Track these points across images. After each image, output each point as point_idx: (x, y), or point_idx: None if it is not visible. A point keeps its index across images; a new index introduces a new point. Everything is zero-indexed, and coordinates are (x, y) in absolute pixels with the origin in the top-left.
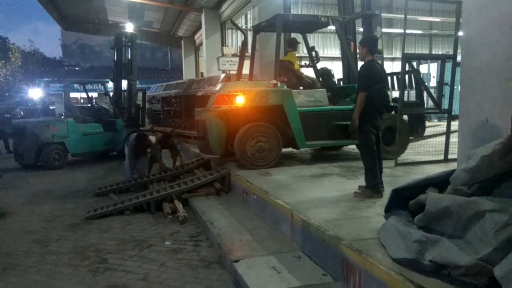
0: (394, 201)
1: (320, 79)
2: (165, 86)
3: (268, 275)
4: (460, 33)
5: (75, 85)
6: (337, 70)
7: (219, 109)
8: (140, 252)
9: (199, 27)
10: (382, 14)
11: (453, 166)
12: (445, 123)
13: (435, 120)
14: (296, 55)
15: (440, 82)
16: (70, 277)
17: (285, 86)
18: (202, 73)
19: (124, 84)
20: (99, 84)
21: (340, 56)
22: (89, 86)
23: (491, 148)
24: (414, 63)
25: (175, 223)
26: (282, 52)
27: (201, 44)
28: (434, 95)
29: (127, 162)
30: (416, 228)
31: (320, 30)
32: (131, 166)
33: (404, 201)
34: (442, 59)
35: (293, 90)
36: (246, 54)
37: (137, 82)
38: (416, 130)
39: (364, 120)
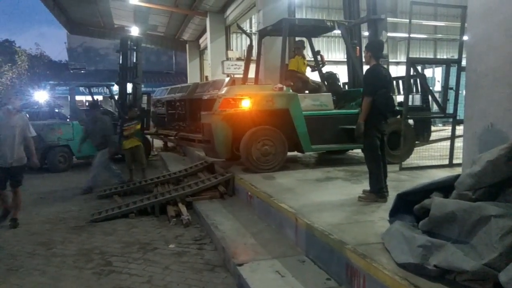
0: (399, 205)
1: (326, 83)
2: (170, 89)
3: (272, 279)
4: (465, 38)
5: (81, 88)
6: (342, 74)
7: (225, 112)
8: (144, 255)
9: (204, 31)
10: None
11: (458, 171)
12: (450, 127)
13: (440, 125)
14: (306, 58)
15: (445, 87)
16: (74, 280)
17: (291, 90)
18: (206, 76)
19: (129, 87)
20: (105, 87)
21: (345, 60)
22: (94, 89)
23: (496, 153)
24: (419, 67)
25: (179, 226)
26: (288, 56)
27: (205, 47)
28: (439, 100)
29: (94, 166)
30: (421, 233)
31: (325, 34)
32: (95, 172)
33: (409, 205)
34: (447, 64)
35: (298, 94)
36: (252, 58)
37: (142, 86)
38: (422, 134)
39: (369, 124)
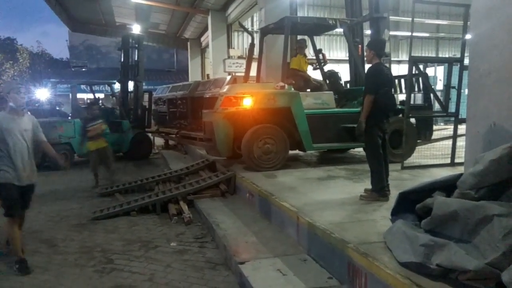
0: (401, 204)
1: (327, 82)
2: (171, 87)
3: (274, 277)
4: (468, 36)
5: (82, 86)
6: (343, 73)
7: (227, 111)
8: (146, 253)
9: (205, 29)
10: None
11: (460, 170)
12: (452, 126)
13: (442, 124)
14: (307, 56)
15: (447, 86)
16: (76, 277)
17: (293, 89)
18: (208, 75)
19: (131, 85)
20: (106, 85)
21: (346, 58)
22: (95, 87)
23: (499, 152)
24: (421, 66)
25: (180, 224)
26: (290, 55)
27: (207, 46)
28: (441, 99)
29: None
30: (423, 232)
31: (327, 33)
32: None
33: (411, 204)
34: (449, 62)
35: (300, 93)
36: (253, 56)
37: (144, 84)
38: (424, 133)
39: (370, 123)
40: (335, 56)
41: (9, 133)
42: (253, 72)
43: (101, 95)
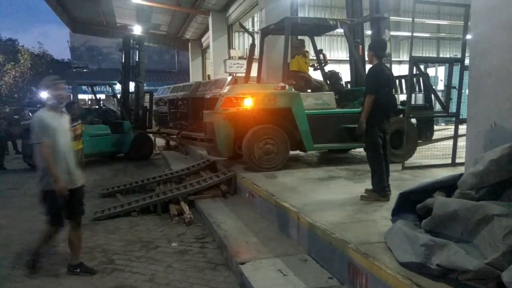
0: (401, 204)
1: (328, 82)
2: (172, 88)
3: (274, 277)
4: (468, 36)
5: (83, 87)
6: (344, 73)
7: (227, 111)
8: (147, 253)
9: (206, 30)
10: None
11: (460, 170)
12: (453, 126)
13: (443, 124)
14: (308, 57)
15: (448, 86)
16: (77, 278)
17: (293, 89)
18: (209, 75)
19: (132, 86)
20: (107, 86)
21: (347, 58)
22: (97, 88)
23: (500, 152)
24: (422, 66)
25: (181, 225)
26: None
27: (208, 46)
28: (442, 99)
29: None
30: (423, 232)
31: (327, 33)
32: None
33: (411, 204)
34: (450, 63)
35: (301, 93)
36: (254, 56)
37: (145, 84)
38: (425, 133)
39: (371, 123)
40: (336, 56)
41: (57, 133)
42: (253, 73)
43: (102, 96)
